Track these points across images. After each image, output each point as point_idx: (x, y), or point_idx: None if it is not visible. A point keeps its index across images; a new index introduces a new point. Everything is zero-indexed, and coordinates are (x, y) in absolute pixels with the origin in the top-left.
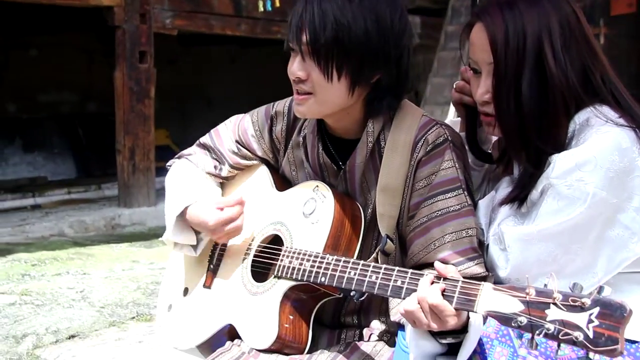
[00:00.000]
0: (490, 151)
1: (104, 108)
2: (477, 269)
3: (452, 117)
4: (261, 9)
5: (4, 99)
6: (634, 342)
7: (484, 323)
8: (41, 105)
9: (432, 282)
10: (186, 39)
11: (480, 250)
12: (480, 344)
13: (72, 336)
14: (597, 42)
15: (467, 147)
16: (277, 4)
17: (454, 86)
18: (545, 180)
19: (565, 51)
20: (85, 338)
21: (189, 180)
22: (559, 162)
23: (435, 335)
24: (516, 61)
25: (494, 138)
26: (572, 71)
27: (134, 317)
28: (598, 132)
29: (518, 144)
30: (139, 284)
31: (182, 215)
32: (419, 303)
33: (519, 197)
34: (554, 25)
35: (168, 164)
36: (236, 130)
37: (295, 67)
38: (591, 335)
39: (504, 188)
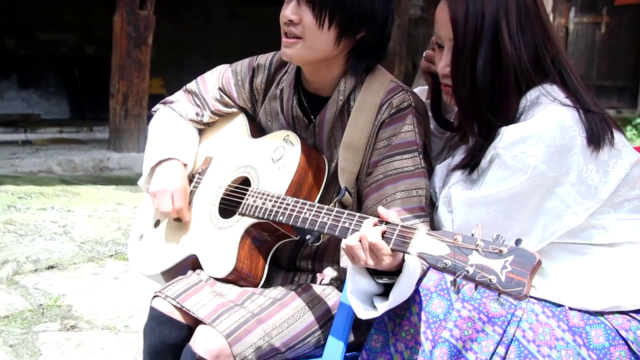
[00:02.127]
0: (452, 120)
1: (102, 51)
2: (422, 227)
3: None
4: None
5: (3, 32)
6: (559, 305)
7: (423, 275)
8: (40, 43)
9: (375, 225)
10: None
11: (428, 210)
12: (419, 295)
13: (51, 267)
14: (552, 24)
15: (430, 115)
16: None
17: (424, 55)
18: (493, 149)
19: (520, 32)
20: (64, 270)
21: (168, 132)
22: (506, 133)
23: (372, 274)
24: (474, 38)
25: (457, 108)
26: (525, 51)
27: (112, 255)
28: (545, 110)
29: (470, 116)
30: (120, 225)
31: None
32: (360, 240)
33: (470, 164)
34: (511, 7)
35: (153, 109)
36: (220, 79)
37: (289, 11)
38: (503, 279)
39: (459, 155)
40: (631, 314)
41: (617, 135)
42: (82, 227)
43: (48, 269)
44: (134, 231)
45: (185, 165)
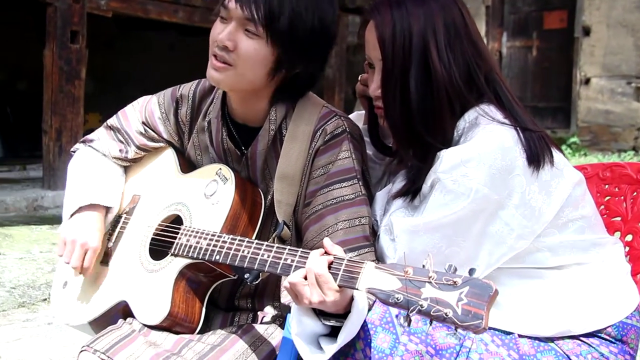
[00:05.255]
0: (391, 145)
1: (34, 87)
2: (368, 257)
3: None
4: None
5: None
6: (508, 333)
7: (368, 309)
8: None
9: (322, 255)
10: (124, 22)
11: (372, 239)
12: (364, 329)
13: None
14: (484, 43)
15: (368, 139)
16: None
17: (359, 79)
18: (433, 174)
19: (450, 50)
20: None
21: (89, 174)
22: (446, 157)
23: (319, 316)
24: (402, 58)
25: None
26: (456, 70)
27: (45, 299)
28: (484, 131)
29: (403, 137)
30: (54, 266)
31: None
32: (305, 274)
33: (410, 190)
34: (439, 26)
35: (72, 149)
36: (143, 112)
37: (225, 35)
38: (459, 312)
39: (399, 181)
40: (581, 338)
41: (557, 155)
42: (13, 271)
43: None
44: (57, 278)
45: (108, 209)
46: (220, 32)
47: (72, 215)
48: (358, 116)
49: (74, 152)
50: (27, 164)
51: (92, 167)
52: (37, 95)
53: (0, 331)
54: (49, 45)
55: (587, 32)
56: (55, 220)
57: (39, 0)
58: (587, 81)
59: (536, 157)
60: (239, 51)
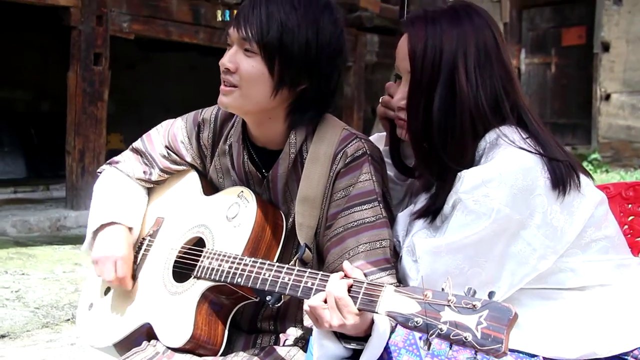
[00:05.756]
0: (412, 166)
1: (57, 108)
2: (389, 280)
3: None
4: (219, 18)
5: None
6: (533, 355)
7: (391, 331)
8: None
9: (341, 278)
10: (146, 44)
11: (393, 261)
12: (388, 352)
13: (2, 336)
14: (514, 70)
15: (390, 161)
16: (235, 15)
17: (380, 101)
18: (455, 194)
19: (479, 74)
20: (16, 338)
21: (113, 194)
22: (467, 177)
23: (340, 339)
24: (430, 72)
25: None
26: (482, 94)
27: (68, 319)
28: (504, 151)
29: (422, 152)
30: (77, 287)
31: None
32: (325, 297)
33: (430, 209)
34: (470, 48)
35: (98, 170)
36: (166, 136)
37: (226, 58)
38: (479, 336)
39: (421, 202)
40: None
41: (583, 178)
42: (37, 291)
43: None
44: (82, 300)
45: (130, 229)
46: (224, 56)
47: (95, 232)
48: (379, 137)
49: (100, 172)
50: (50, 184)
51: (116, 187)
52: (59, 116)
53: (25, 351)
54: (73, 67)
55: (606, 47)
56: (78, 240)
57: (63, 24)
58: (607, 97)
59: (561, 183)
60: (240, 71)
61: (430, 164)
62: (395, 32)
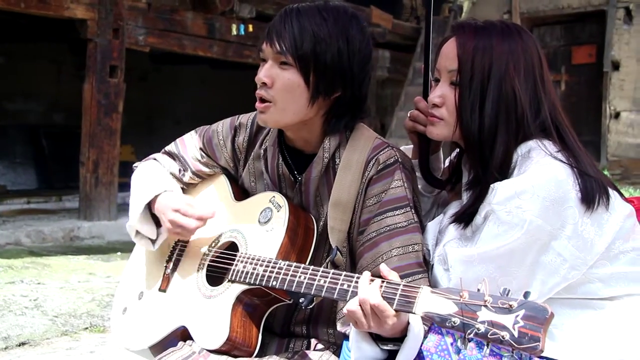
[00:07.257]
0: (441, 177)
1: (70, 120)
2: (422, 283)
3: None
4: (234, 32)
5: None
6: None
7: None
8: (7, 113)
9: (371, 281)
10: (158, 56)
11: (425, 265)
12: (420, 357)
13: (23, 343)
14: (553, 87)
15: (419, 173)
16: (250, 29)
17: (408, 115)
18: (487, 206)
19: (525, 82)
20: (36, 346)
21: (158, 175)
22: (500, 189)
23: (377, 340)
24: (481, 78)
25: (445, 165)
26: (528, 104)
27: (87, 328)
28: (537, 164)
29: (474, 148)
30: (94, 296)
31: (148, 206)
32: (360, 304)
33: (465, 213)
34: (520, 61)
35: (135, 164)
36: (201, 139)
37: (262, 73)
38: (516, 335)
39: (455, 207)
40: None
41: (612, 193)
42: (54, 300)
43: (19, 345)
44: (116, 304)
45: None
46: (259, 71)
47: (148, 204)
48: (406, 151)
49: (136, 166)
50: (63, 195)
51: (159, 171)
52: (71, 128)
53: (45, 359)
54: (89, 79)
55: (616, 66)
56: (92, 250)
57: (80, 36)
58: (616, 115)
59: (592, 198)
60: (277, 84)
61: (478, 159)
62: (406, 48)
